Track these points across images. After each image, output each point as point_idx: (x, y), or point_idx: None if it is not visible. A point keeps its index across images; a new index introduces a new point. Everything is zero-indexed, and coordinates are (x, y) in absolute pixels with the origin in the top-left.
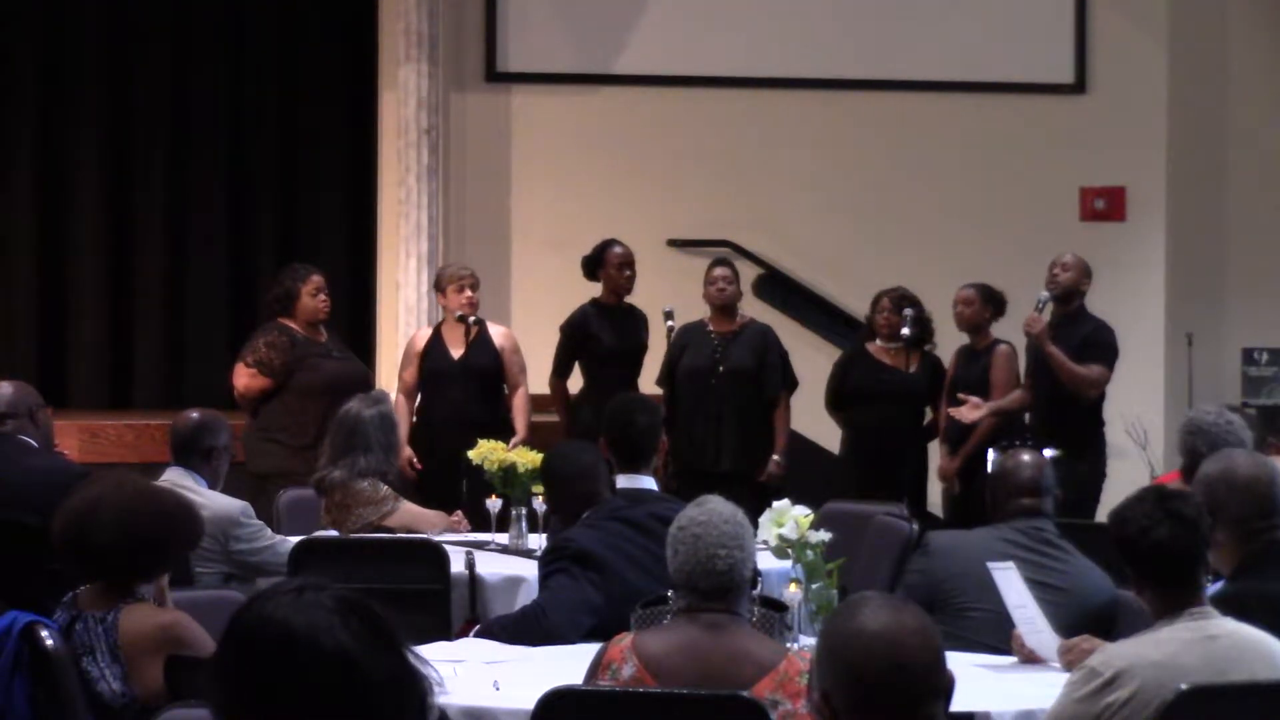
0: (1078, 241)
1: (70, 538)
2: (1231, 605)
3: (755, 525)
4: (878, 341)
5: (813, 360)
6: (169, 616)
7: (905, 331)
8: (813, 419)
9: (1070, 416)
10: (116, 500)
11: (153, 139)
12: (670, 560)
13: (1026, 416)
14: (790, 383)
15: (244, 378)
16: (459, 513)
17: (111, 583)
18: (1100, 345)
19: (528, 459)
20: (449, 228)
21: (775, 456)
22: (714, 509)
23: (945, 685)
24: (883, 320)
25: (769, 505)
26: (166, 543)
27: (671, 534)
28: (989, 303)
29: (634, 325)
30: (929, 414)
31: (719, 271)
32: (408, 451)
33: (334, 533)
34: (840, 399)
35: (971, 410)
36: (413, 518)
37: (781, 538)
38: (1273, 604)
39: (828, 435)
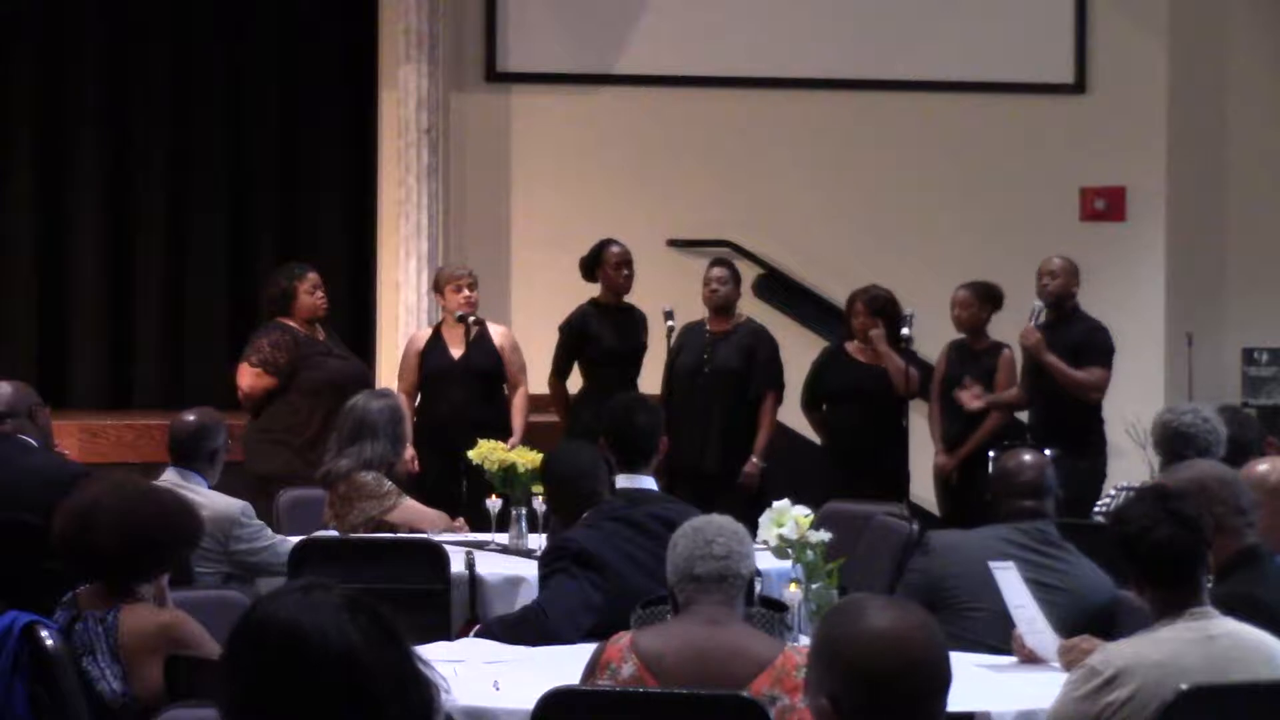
0: (1078, 241)
1: (69, 538)
2: (1217, 608)
3: (745, 527)
4: (855, 341)
5: (812, 359)
6: (169, 616)
7: (905, 332)
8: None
9: (1070, 416)
10: (115, 500)
11: (153, 139)
12: (670, 556)
13: (1025, 416)
14: (777, 383)
15: (249, 377)
16: (461, 519)
17: (111, 583)
18: (1096, 348)
19: (528, 459)
20: (449, 228)
21: (753, 458)
22: (713, 517)
23: (949, 679)
24: (859, 324)
25: (753, 506)
26: (166, 543)
27: (672, 538)
28: (987, 301)
29: (633, 325)
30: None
31: (713, 272)
32: (410, 451)
33: (334, 533)
34: (816, 398)
35: (973, 399)
36: (414, 515)
37: (781, 538)
38: (1256, 606)
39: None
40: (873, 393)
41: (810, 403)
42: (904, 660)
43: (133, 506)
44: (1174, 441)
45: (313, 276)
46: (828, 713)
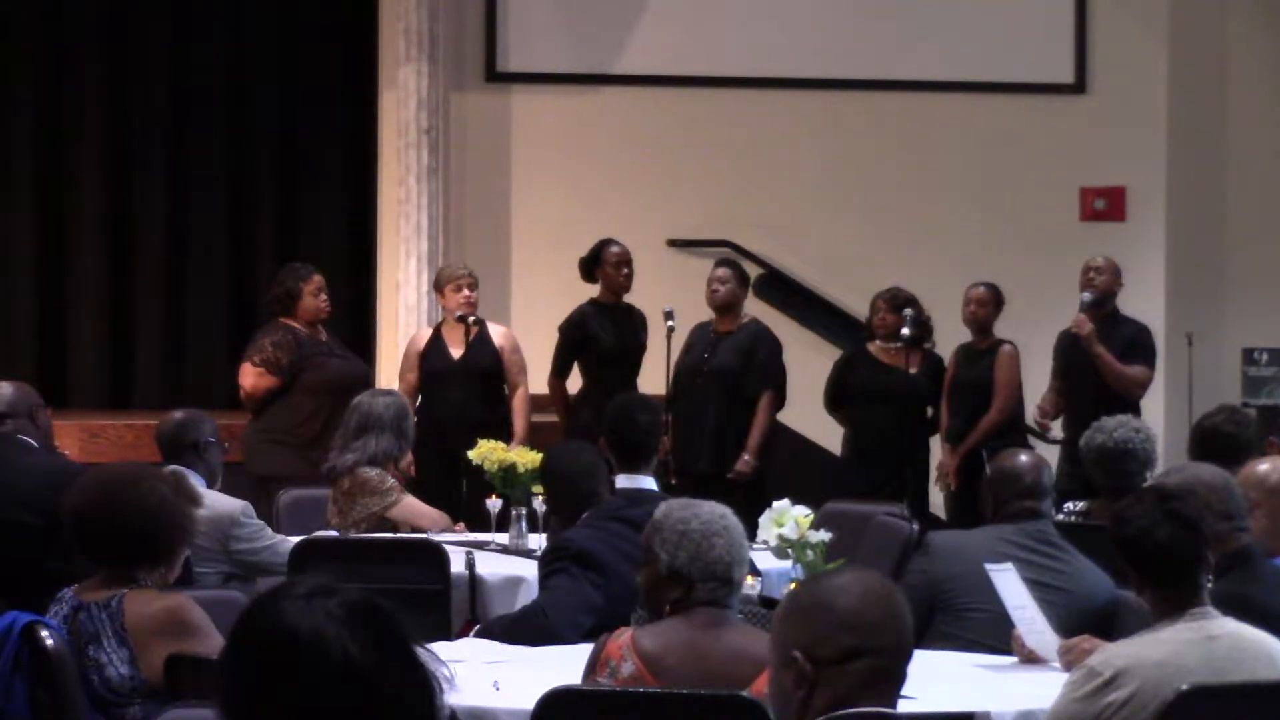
0: (1078, 241)
1: (72, 521)
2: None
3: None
4: (877, 342)
5: (813, 360)
6: (173, 600)
7: (905, 331)
8: (813, 419)
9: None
10: (90, 479)
11: (152, 139)
12: (671, 554)
13: (1061, 423)
14: (773, 383)
15: (252, 377)
16: (461, 524)
17: (111, 570)
18: (1143, 346)
19: (528, 459)
20: (449, 228)
21: (745, 455)
22: (705, 506)
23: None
24: (879, 321)
25: (749, 506)
26: (132, 526)
27: (668, 530)
28: (1000, 301)
29: (633, 325)
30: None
31: (714, 272)
32: (407, 458)
33: (335, 533)
34: (841, 399)
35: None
36: (414, 513)
37: (781, 538)
38: (1249, 606)
39: (828, 435)
40: (896, 393)
41: (834, 403)
42: (889, 611)
43: (108, 483)
44: (1117, 461)
45: (317, 279)
46: (800, 664)
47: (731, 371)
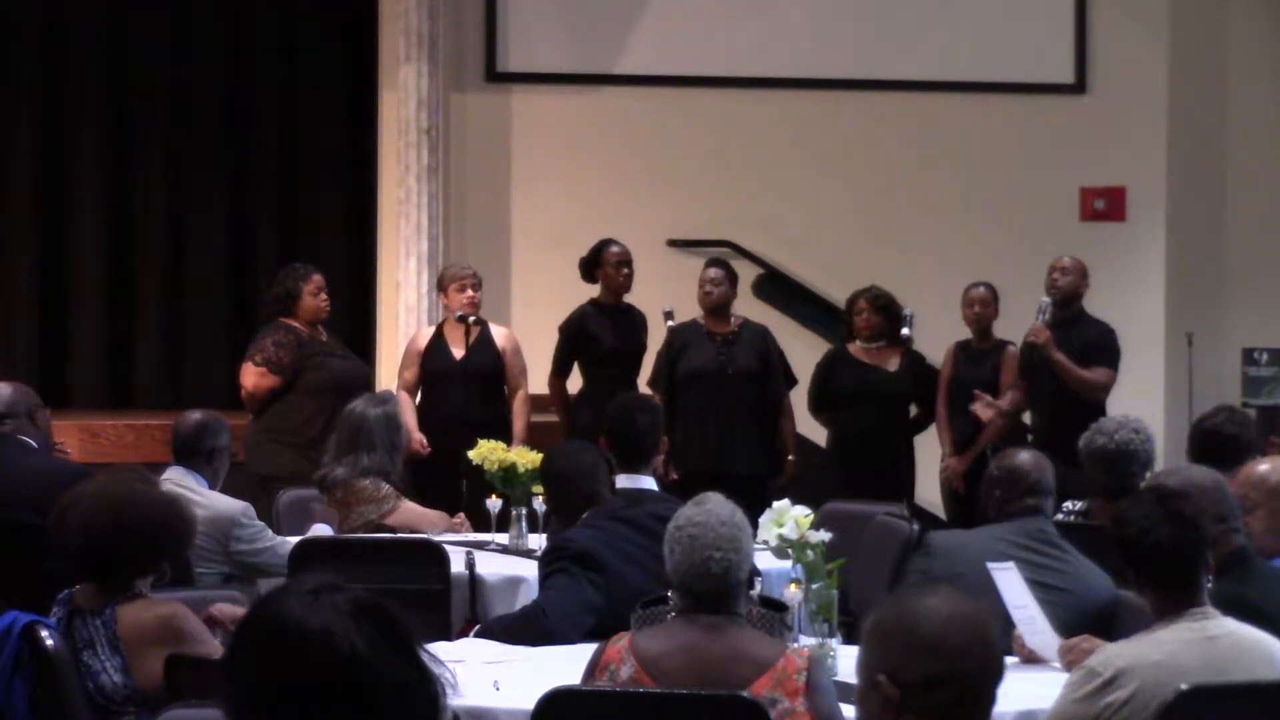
0: (1078, 241)
1: (54, 533)
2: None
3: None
4: (858, 342)
5: (812, 360)
6: (167, 609)
7: (905, 332)
8: (811, 419)
9: (1073, 417)
10: (97, 499)
11: (153, 139)
12: (667, 559)
13: (1027, 417)
14: (792, 382)
15: (253, 376)
16: (461, 515)
17: (103, 580)
18: (1104, 349)
19: (528, 459)
20: (449, 228)
21: (791, 457)
22: (712, 509)
23: (1004, 671)
24: (862, 321)
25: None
26: (147, 544)
27: (669, 532)
28: (997, 300)
29: (633, 325)
30: (913, 411)
31: (708, 274)
32: (418, 435)
33: (331, 530)
34: (824, 401)
35: (986, 409)
36: (413, 517)
37: (781, 538)
38: (1247, 607)
39: (825, 433)
40: (880, 393)
41: (818, 405)
42: (975, 636)
43: (114, 505)
44: (1117, 462)
45: (317, 279)
46: (885, 688)
47: (754, 373)
